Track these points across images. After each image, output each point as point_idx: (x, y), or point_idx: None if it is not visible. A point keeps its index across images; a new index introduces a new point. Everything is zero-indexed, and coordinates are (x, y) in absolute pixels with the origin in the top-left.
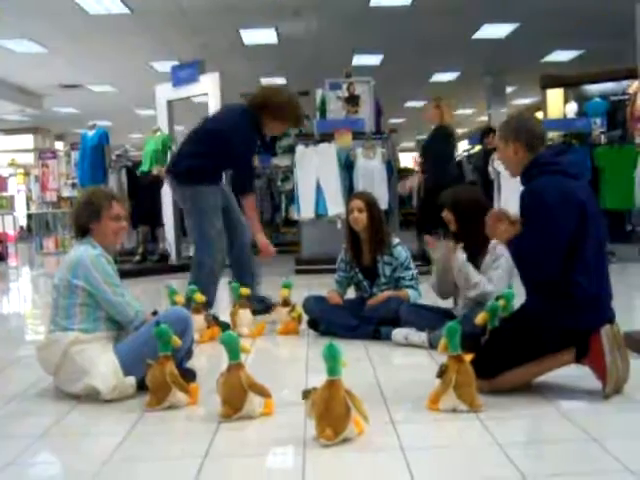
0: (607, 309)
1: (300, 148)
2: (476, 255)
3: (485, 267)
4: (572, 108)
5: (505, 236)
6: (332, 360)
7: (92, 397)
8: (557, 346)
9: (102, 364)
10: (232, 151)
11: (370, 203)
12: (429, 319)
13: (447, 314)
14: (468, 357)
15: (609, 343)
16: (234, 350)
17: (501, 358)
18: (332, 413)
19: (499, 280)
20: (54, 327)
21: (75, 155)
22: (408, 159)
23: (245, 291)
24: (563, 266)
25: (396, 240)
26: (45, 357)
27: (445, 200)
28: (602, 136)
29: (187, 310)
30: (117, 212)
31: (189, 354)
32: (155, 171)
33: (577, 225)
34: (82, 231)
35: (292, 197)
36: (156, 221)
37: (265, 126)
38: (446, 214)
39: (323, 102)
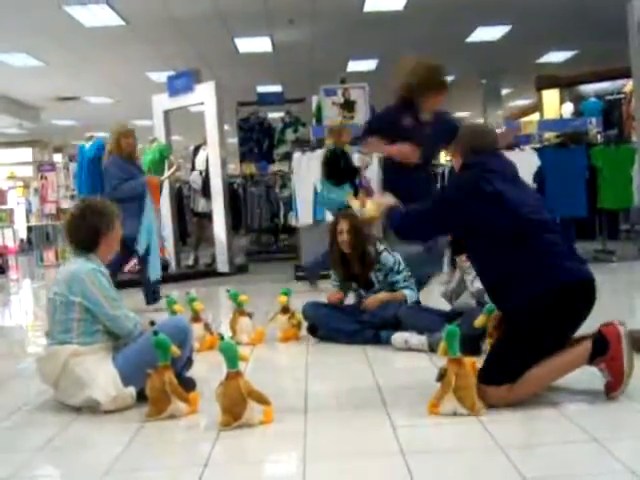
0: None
1: (297, 154)
2: None
3: None
4: (568, 108)
5: None
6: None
7: (92, 408)
8: (565, 326)
9: (101, 375)
10: None
11: (354, 223)
12: (429, 321)
13: (447, 316)
14: (468, 360)
15: (628, 346)
16: (232, 358)
17: (519, 359)
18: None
19: None
20: (52, 341)
21: (73, 167)
22: None
23: (244, 298)
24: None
25: (381, 247)
26: (45, 369)
27: None
28: (598, 135)
29: (186, 320)
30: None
31: (189, 363)
32: None
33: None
34: (89, 244)
35: (290, 204)
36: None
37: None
38: None
39: (319, 108)
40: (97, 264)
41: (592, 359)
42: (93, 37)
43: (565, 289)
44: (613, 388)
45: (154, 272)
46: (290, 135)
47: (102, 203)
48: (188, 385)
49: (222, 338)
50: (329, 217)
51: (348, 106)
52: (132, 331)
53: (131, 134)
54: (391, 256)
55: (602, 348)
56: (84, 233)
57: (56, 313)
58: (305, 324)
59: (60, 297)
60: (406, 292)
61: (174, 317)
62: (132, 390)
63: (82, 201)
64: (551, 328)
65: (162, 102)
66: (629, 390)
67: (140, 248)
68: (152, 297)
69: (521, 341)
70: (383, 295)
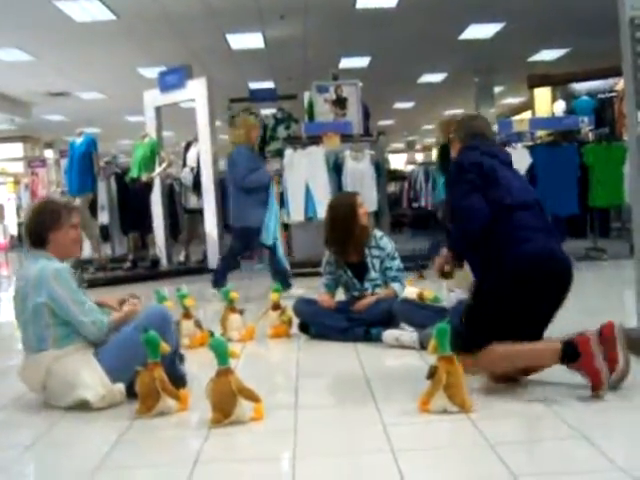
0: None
1: (289, 152)
2: None
3: None
4: (560, 106)
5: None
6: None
7: (81, 405)
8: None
9: (87, 375)
10: None
11: None
12: (423, 317)
13: (441, 312)
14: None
15: (598, 348)
16: (222, 355)
17: (487, 325)
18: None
19: None
20: (28, 350)
21: (64, 163)
22: (399, 161)
23: (235, 295)
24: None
25: (380, 232)
26: (28, 376)
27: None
28: (590, 133)
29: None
30: (76, 220)
31: (181, 358)
32: (144, 177)
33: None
34: (39, 241)
35: (282, 201)
36: (146, 227)
37: None
38: None
39: (311, 105)
40: (60, 263)
41: (563, 361)
42: (84, 32)
43: (527, 261)
44: (594, 389)
45: (283, 260)
46: (282, 132)
47: (50, 202)
48: (178, 382)
49: (212, 335)
50: (321, 214)
51: (340, 103)
52: (99, 336)
53: (259, 127)
54: (390, 242)
55: (572, 355)
56: (33, 228)
57: (28, 323)
58: (296, 321)
59: (30, 302)
60: (395, 287)
61: (151, 306)
62: (121, 387)
63: (43, 198)
64: (513, 299)
65: (153, 98)
66: (618, 387)
67: (267, 239)
68: (287, 284)
69: (484, 308)
70: (372, 297)
